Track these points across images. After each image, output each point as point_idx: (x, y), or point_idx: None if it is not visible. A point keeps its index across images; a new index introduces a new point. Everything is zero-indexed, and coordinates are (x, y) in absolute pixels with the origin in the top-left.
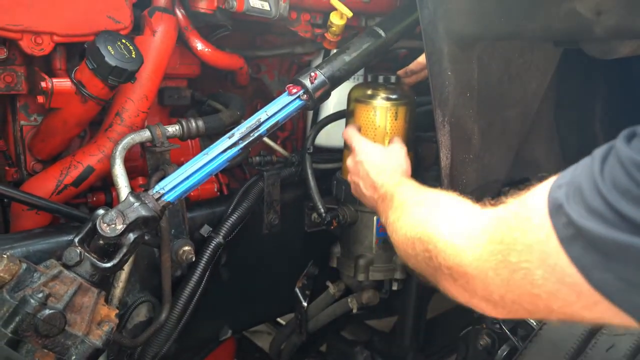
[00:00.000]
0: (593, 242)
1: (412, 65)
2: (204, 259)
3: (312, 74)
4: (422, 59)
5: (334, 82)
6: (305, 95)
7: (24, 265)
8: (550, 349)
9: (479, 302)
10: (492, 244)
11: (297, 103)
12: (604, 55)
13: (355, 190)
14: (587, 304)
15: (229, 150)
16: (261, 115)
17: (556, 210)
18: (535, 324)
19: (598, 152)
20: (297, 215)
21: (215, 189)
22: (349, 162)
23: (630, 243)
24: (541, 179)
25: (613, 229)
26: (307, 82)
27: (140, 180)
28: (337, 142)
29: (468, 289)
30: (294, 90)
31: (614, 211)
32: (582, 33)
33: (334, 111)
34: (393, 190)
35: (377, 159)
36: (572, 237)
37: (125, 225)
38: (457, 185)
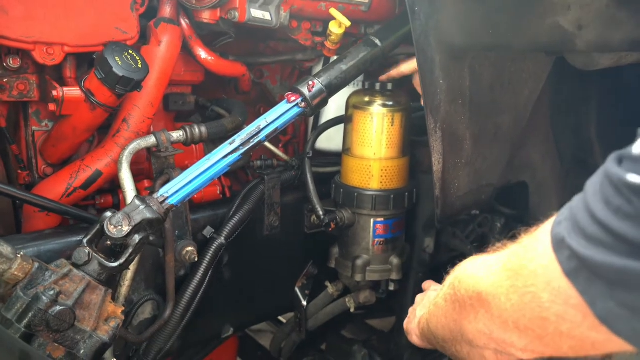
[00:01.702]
0: (596, 270)
1: (394, 73)
2: (207, 259)
3: (310, 82)
4: (404, 68)
5: (332, 90)
6: (303, 103)
7: (37, 264)
8: None
9: (499, 333)
10: (504, 271)
11: (295, 110)
12: (586, 67)
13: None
14: (594, 325)
15: (229, 156)
16: (261, 122)
17: (559, 244)
18: None
19: (589, 183)
20: (297, 217)
21: (218, 192)
22: (417, 297)
23: (628, 267)
24: (549, 216)
25: (612, 254)
26: (305, 91)
27: (146, 183)
28: (337, 146)
29: (487, 321)
30: (293, 98)
31: (609, 233)
32: (565, 45)
33: (335, 116)
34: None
35: (430, 295)
36: (577, 268)
37: (131, 227)
38: (449, 189)
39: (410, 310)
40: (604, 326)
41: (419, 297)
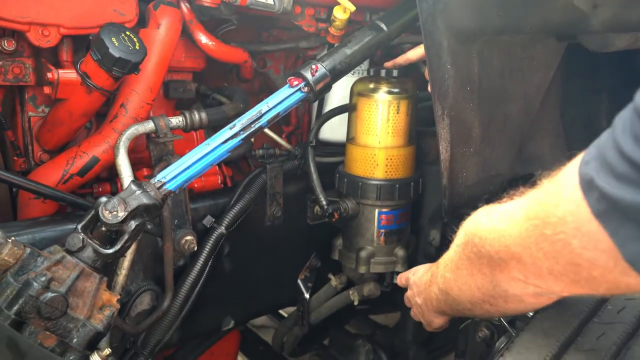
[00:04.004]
0: (626, 211)
1: (400, 59)
2: (206, 249)
3: (313, 66)
4: (411, 54)
5: (335, 74)
6: (306, 88)
7: (28, 250)
8: (541, 337)
9: (534, 279)
10: (529, 220)
11: (298, 95)
12: (601, 49)
13: (416, 312)
14: (625, 269)
15: (230, 141)
16: (262, 106)
17: (588, 185)
18: (532, 314)
19: (617, 119)
20: (300, 208)
21: (219, 181)
22: (408, 293)
23: None
24: (570, 157)
25: None
26: (308, 75)
27: (145, 172)
28: (341, 137)
29: (521, 270)
30: (295, 83)
31: (638, 169)
32: (579, 26)
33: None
34: (436, 264)
35: (420, 268)
36: (606, 210)
37: (126, 213)
38: (457, 178)
39: (414, 305)
40: (633, 270)
41: (408, 293)
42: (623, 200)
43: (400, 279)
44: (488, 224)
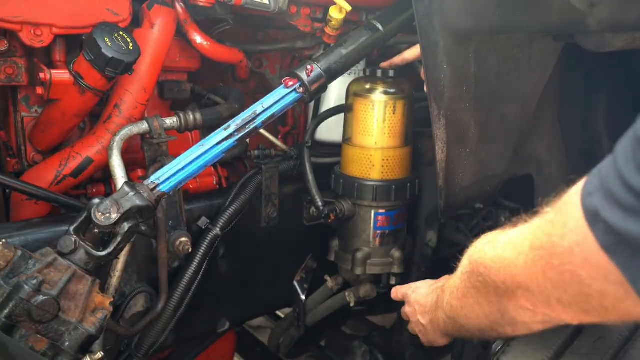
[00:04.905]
0: (635, 244)
1: (396, 59)
2: (201, 251)
3: (309, 66)
4: (407, 54)
5: (331, 75)
6: (302, 88)
7: (19, 252)
8: (538, 340)
9: (543, 308)
10: (534, 250)
11: (293, 96)
12: (598, 49)
13: (417, 329)
14: (637, 301)
15: (224, 142)
16: (257, 107)
17: (593, 217)
18: None
19: (619, 147)
20: (296, 209)
21: (215, 182)
22: (407, 309)
23: None
24: (569, 182)
25: None
26: (303, 75)
27: (140, 173)
28: (337, 137)
29: (529, 299)
30: (290, 83)
31: None
32: (576, 25)
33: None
34: (441, 289)
35: (421, 286)
36: (614, 244)
37: (119, 215)
38: (453, 179)
39: (415, 324)
40: None
41: (407, 309)
42: (631, 233)
43: (396, 293)
44: (493, 253)
